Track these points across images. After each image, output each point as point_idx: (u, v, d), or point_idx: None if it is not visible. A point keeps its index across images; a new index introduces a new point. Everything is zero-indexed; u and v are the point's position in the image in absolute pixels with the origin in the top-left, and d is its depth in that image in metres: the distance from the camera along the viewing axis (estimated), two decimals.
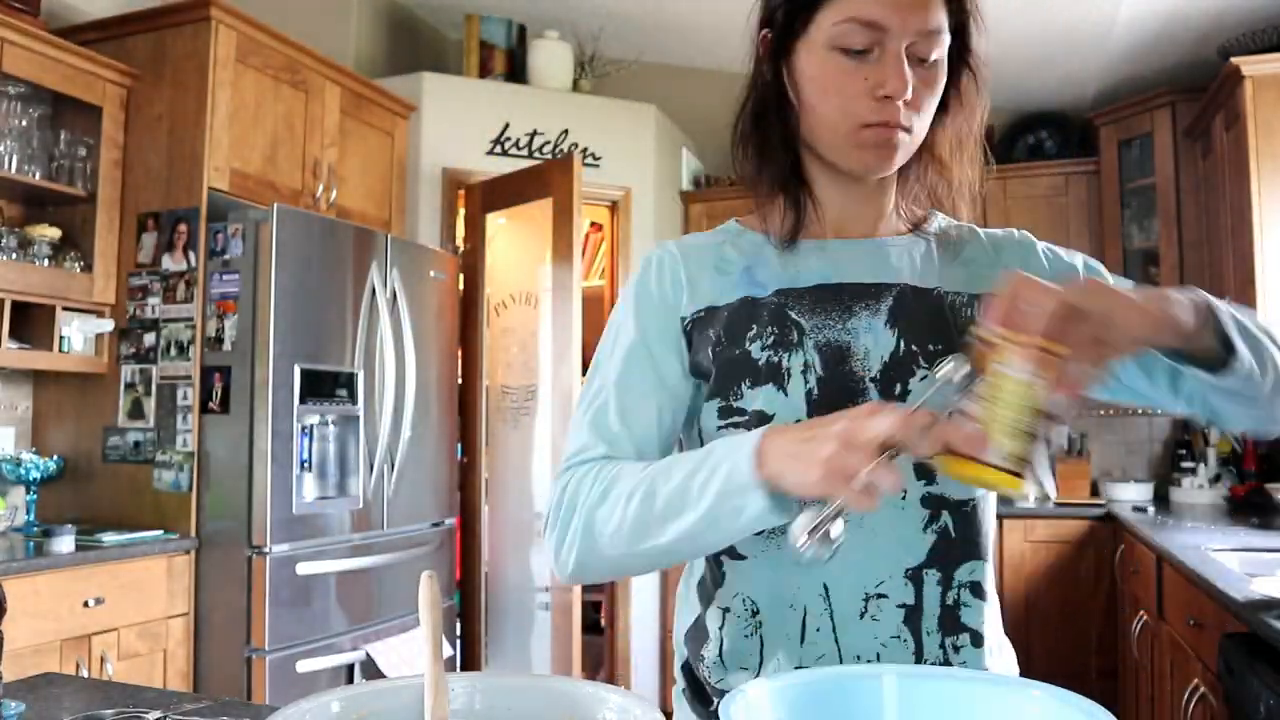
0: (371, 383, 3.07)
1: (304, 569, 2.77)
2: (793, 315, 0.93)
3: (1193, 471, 3.77)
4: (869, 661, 0.88)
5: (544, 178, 3.57)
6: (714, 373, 0.94)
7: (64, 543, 2.45)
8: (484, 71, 4.10)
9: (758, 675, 0.92)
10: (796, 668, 0.89)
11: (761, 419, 0.90)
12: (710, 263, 0.99)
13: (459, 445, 3.68)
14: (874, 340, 0.92)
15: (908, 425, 0.69)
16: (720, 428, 0.92)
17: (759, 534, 0.91)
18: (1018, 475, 0.70)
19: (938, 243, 0.99)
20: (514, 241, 3.85)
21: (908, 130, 0.89)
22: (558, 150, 3.98)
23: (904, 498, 0.89)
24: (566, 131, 4.02)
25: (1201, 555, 2.34)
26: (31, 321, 2.75)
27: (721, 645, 0.95)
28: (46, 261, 2.76)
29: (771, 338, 0.92)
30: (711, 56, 4.53)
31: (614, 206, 4.13)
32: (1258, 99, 2.98)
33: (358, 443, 3.01)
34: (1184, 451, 3.88)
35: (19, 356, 2.70)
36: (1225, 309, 0.85)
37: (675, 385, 0.96)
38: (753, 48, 0.99)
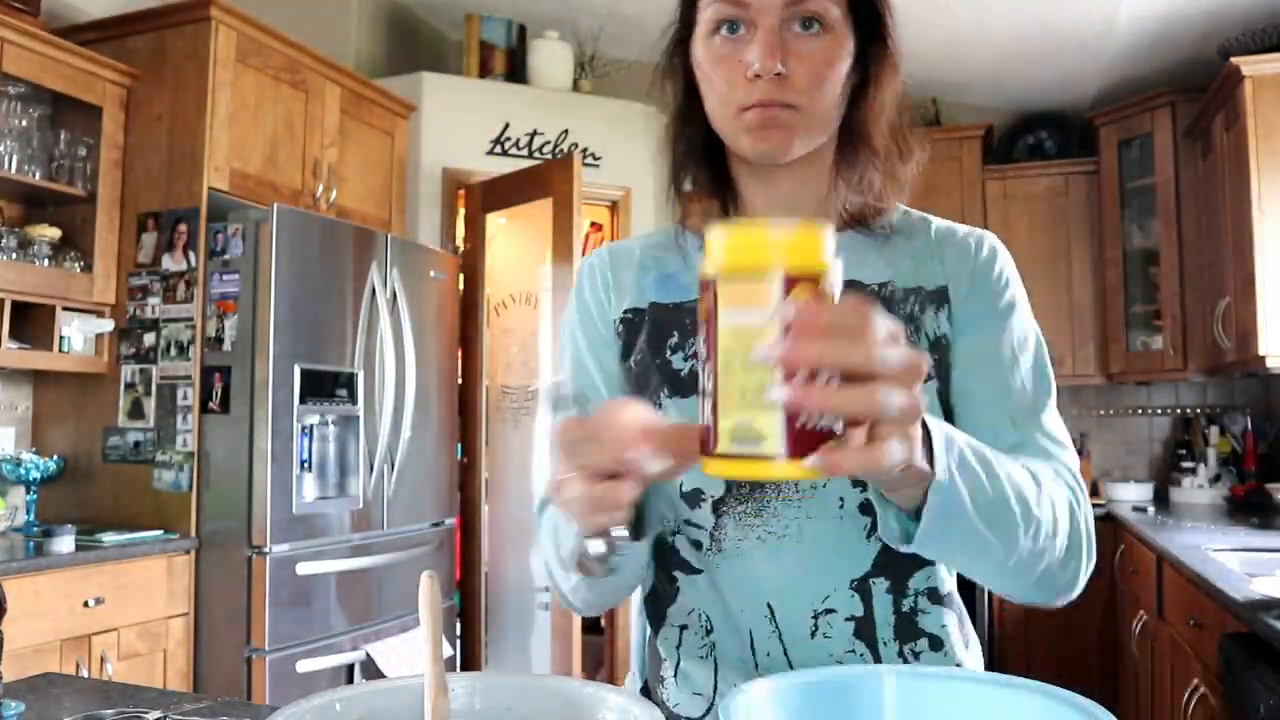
0: (371, 383, 3.07)
1: (304, 569, 2.76)
2: None
3: (1193, 471, 3.77)
4: None
5: (544, 178, 3.57)
6: (634, 381, 0.92)
7: (64, 543, 2.45)
8: (484, 71, 4.10)
9: (710, 706, 0.89)
10: None
11: None
12: (637, 262, 0.97)
13: (459, 445, 3.68)
14: None
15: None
16: None
17: (698, 549, 0.89)
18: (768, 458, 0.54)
19: (882, 237, 0.92)
20: (514, 241, 3.85)
21: (793, 107, 0.83)
22: (558, 150, 3.98)
23: (841, 506, 0.84)
24: (566, 131, 4.02)
25: (1201, 555, 2.34)
26: (31, 321, 2.75)
27: (678, 665, 0.91)
28: (46, 261, 2.76)
29: (693, 345, 0.89)
30: None
31: (614, 206, 4.13)
32: (1258, 99, 2.97)
33: (358, 443, 3.01)
34: (1184, 451, 3.88)
35: (19, 356, 2.70)
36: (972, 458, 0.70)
37: (619, 390, 0.93)
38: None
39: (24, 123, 2.75)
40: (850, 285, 0.87)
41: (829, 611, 0.85)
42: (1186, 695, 2.15)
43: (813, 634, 0.85)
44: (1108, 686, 3.35)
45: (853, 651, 0.86)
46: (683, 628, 0.91)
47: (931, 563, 0.88)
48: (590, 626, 3.94)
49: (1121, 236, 3.88)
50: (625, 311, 0.95)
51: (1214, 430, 3.82)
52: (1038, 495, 0.75)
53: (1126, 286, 3.86)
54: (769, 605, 0.86)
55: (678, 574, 0.91)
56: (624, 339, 0.94)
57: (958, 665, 0.90)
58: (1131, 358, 3.83)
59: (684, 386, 0.88)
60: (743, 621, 0.87)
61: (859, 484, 0.84)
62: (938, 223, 0.95)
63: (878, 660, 0.86)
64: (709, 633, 0.89)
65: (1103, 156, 3.92)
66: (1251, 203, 2.97)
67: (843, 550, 0.85)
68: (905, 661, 0.87)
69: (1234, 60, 3.01)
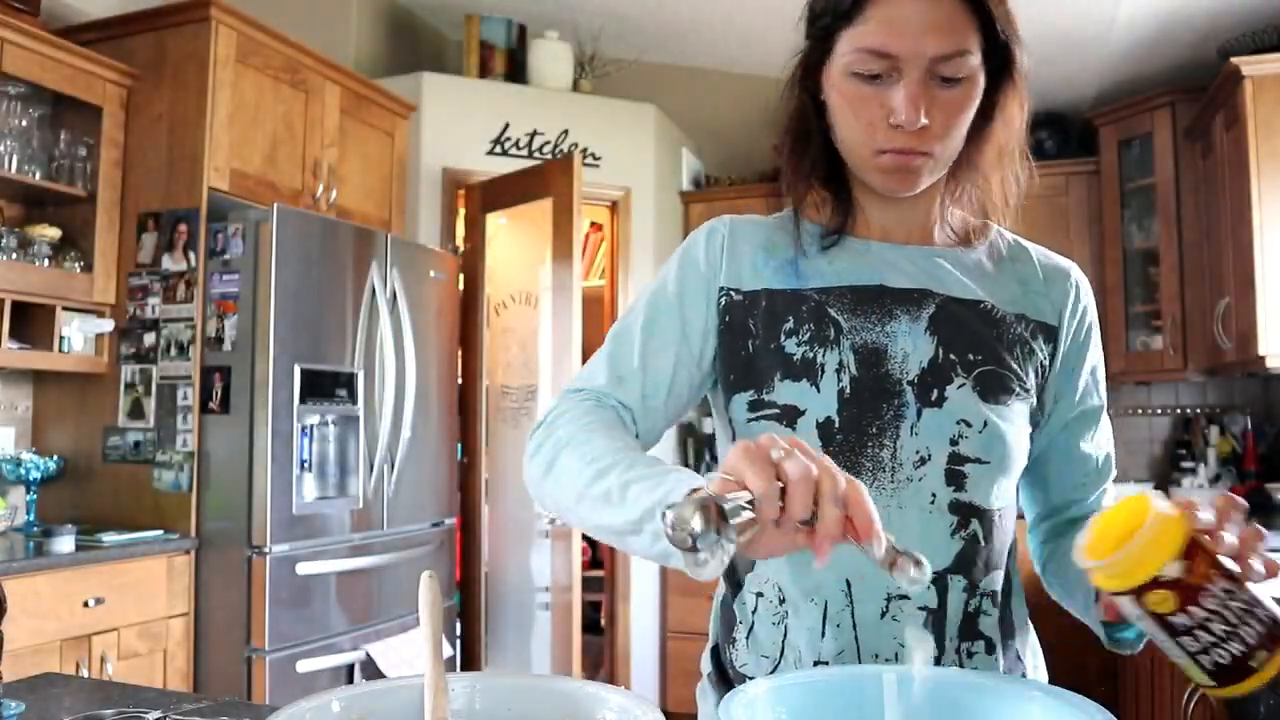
0: (371, 383, 3.07)
1: (304, 569, 2.76)
2: (831, 313, 0.94)
3: (1193, 471, 3.77)
4: (887, 661, 0.88)
5: (544, 178, 3.57)
6: (748, 363, 0.94)
7: (64, 543, 2.44)
8: (484, 71, 4.10)
9: (776, 666, 0.93)
10: (816, 663, 0.90)
11: (792, 413, 0.91)
12: (759, 242, 1.00)
13: (459, 445, 3.68)
14: (912, 345, 0.92)
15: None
16: (750, 420, 0.93)
17: None
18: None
19: (989, 256, 0.99)
20: (514, 241, 3.85)
21: (928, 155, 0.88)
22: (558, 150, 3.98)
23: (932, 501, 0.89)
24: (566, 131, 4.02)
25: None
26: (31, 321, 2.75)
27: (751, 629, 0.95)
28: (46, 261, 2.76)
29: (808, 333, 0.93)
30: (711, 56, 4.53)
31: (614, 206, 4.13)
32: (1258, 99, 2.97)
33: (358, 443, 3.01)
34: (1184, 451, 3.88)
35: (19, 356, 2.70)
36: None
37: (696, 344, 0.97)
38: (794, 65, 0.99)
39: (24, 123, 2.75)
40: (962, 304, 0.94)
41: (903, 598, 0.89)
42: (1186, 695, 2.15)
43: (883, 615, 0.89)
44: (1108, 686, 3.35)
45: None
46: (758, 595, 0.95)
47: (1000, 565, 0.94)
48: (590, 626, 3.94)
49: (1121, 236, 3.88)
50: (733, 290, 0.97)
51: (1214, 430, 3.82)
52: None
53: (1126, 286, 3.86)
54: (847, 582, 0.89)
55: None
56: (728, 317, 0.97)
57: (1008, 671, 0.94)
58: (1131, 358, 3.83)
59: (795, 370, 0.92)
60: (819, 595, 0.90)
61: (952, 482, 0.90)
62: (1036, 251, 1.02)
63: (941, 654, 0.89)
64: (783, 602, 0.92)
65: (1103, 156, 3.92)
66: (1251, 203, 2.97)
67: (928, 543, 0.88)
68: (960, 660, 0.90)
69: (1234, 60, 3.01)
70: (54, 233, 2.79)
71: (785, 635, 0.92)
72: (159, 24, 2.92)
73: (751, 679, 0.89)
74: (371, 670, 2.92)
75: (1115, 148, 3.88)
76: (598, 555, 4.38)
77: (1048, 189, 4.03)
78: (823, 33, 0.90)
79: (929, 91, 0.85)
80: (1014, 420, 0.92)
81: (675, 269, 1.00)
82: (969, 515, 0.90)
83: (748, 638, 0.95)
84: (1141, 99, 3.76)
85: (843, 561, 0.87)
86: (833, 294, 0.94)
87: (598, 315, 4.12)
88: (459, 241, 3.90)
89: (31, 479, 2.75)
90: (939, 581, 0.89)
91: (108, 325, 2.89)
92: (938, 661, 0.89)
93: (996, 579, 0.93)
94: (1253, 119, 2.97)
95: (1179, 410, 4.05)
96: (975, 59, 0.87)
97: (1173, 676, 2.47)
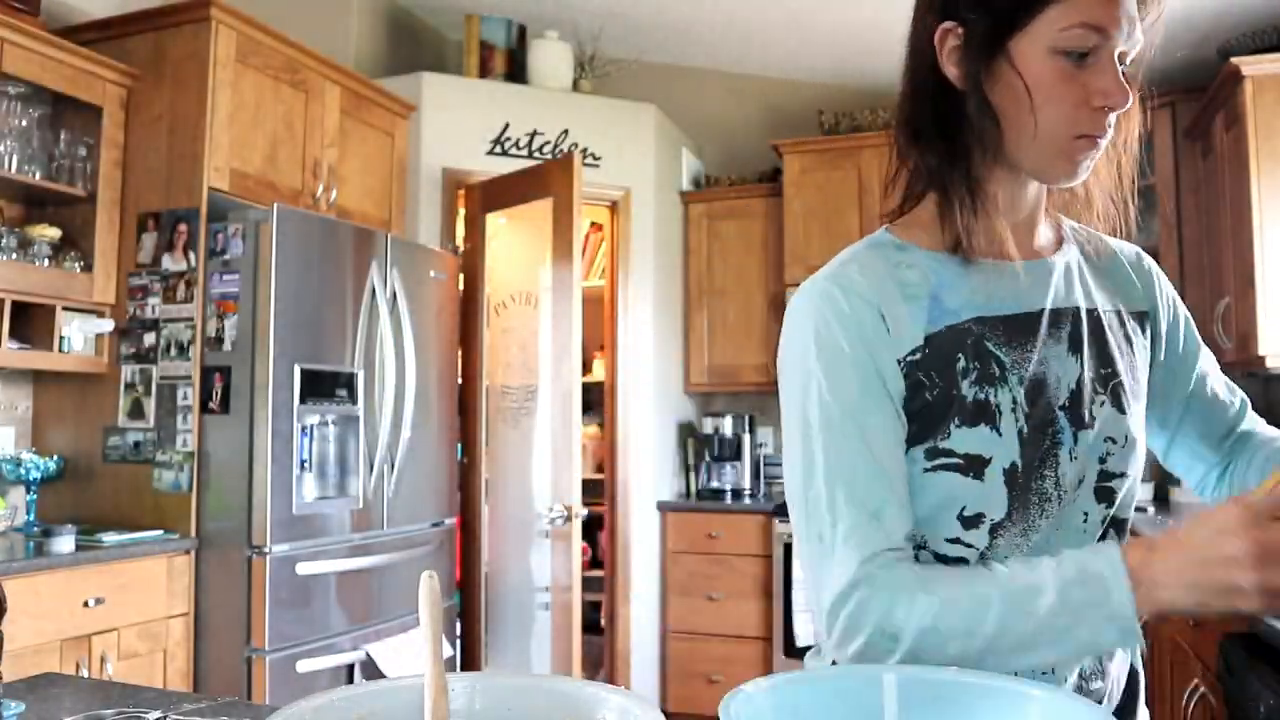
0: (371, 383, 3.07)
1: (304, 569, 2.76)
2: (989, 345, 0.88)
3: None
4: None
5: (544, 178, 3.57)
6: (923, 412, 0.87)
7: (64, 543, 2.44)
8: (484, 71, 4.10)
9: None
10: None
11: (976, 461, 0.85)
12: (896, 291, 0.89)
13: (459, 445, 3.69)
14: (1062, 369, 0.89)
15: None
16: (928, 470, 0.86)
17: (962, 563, 0.87)
18: None
19: (1083, 257, 0.98)
20: (514, 241, 3.85)
21: (1103, 139, 0.86)
22: (558, 150, 3.98)
23: (1085, 520, 0.89)
24: (566, 131, 4.02)
25: None
26: (31, 321, 2.75)
27: None
28: (46, 261, 2.76)
29: (976, 372, 0.87)
30: (711, 56, 4.53)
31: (614, 206, 4.13)
32: (1258, 99, 2.97)
33: (358, 443, 3.01)
34: None
35: (19, 356, 2.70)
36: None
37: (900, 435, 0.87)
38: (920, 43, 0.91)
39: (24, 123, 2.75)
40: (1087, 315, 0.94)
41: None
42: (1186, 695, 2.15)
43: None
44: None
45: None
46: None
47: None
48: (590, 626, 3.94)
49: (1122, 236, 3.87)
50: (907, 354, 0.87)
51: None
52: None
53: None
54: None
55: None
56: (911, 379, 0.87)
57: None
58: None
59: (970, 415, 0.86)
60: None
61: (1103, 499, 0.90)
62: (1109, 240, 1.02)
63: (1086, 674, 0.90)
64: None
65: None
66: (1251, 203, 2.97)
67: None
68: (1080, 688, 0.89)
69: (1234, 60, 3.01)
70: (54, 233, 2.79)
71: None
72: (159, 24, 2.92)
73: None
74: (371, 670, 2.92)
75: None
76: (598, 555, 4.38)
77: None
78: (1017, 7, 0.83)
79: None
80: (1140, 426, 0.94)
81: (827, 376, 0.86)
82: (1112, 528, 0.92)
83: None
84: (1141, 99, 3.75)
85: None
86: (987, 325, 0.88)
87: (598, 315, 4.13)
88: (459, 241, 3.90)
89: (31, 479, 2.75)
90: None
91: (108, 325, 2.89)
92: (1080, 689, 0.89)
93: None
94: (1253, 119, 2.97)
95: None
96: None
97: (1173, 676, 2.47)
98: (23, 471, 2.73)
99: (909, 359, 0.87)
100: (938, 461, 0.86)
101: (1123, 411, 0.91)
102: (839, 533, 0.82)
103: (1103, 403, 0.90)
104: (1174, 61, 3.60)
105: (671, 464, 4.43)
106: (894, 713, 0.67)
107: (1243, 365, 3.19)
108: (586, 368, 4.39)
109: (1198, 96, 3.48)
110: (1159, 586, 0.72)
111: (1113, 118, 0.85)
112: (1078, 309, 0.93)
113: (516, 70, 4.14)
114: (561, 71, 4.09)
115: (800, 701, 0.67)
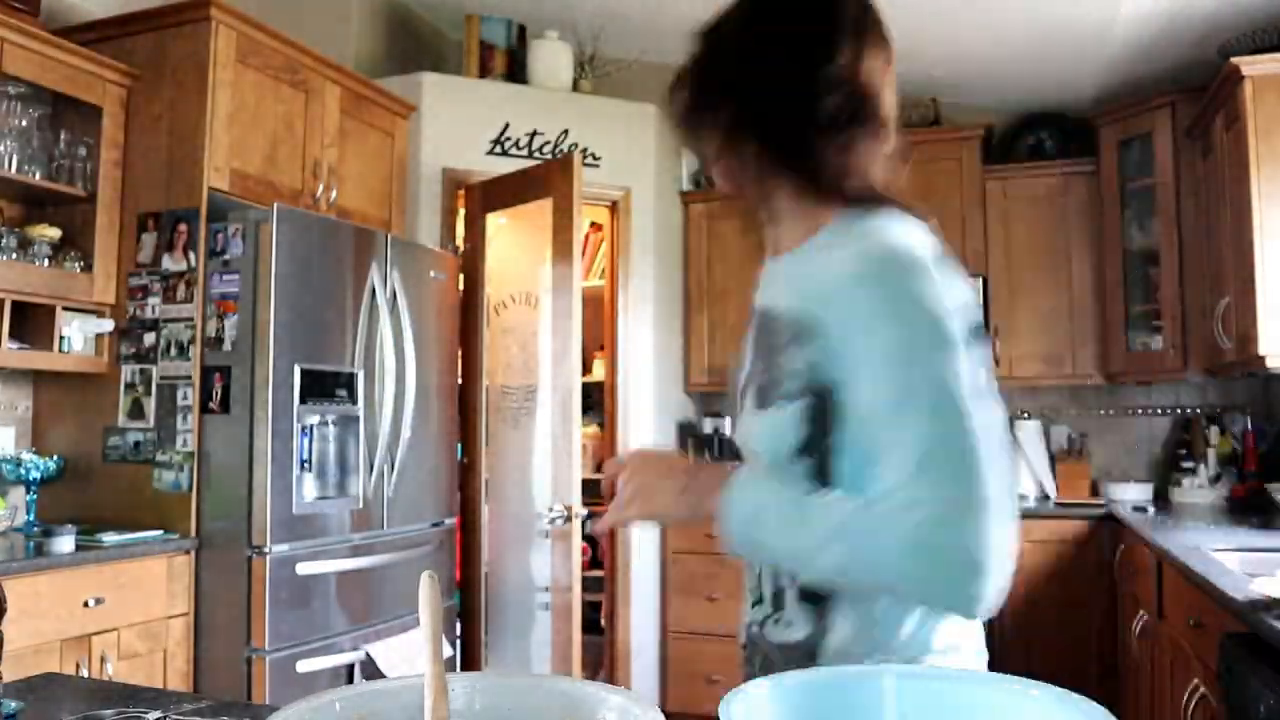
0: (371, 383, 3.07)
1: (304, 569, 2.76)
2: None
3: (1193, 471, 3.77)
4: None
5: (544, 178, 3.57)
6: None
7: (64, 543, 2.44)
8: (484, 71, 4.10)
9: None
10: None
11: None
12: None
13: (459, 445, 3.68)
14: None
15: None
16: None
17: None
18: None
19: (791, 258, 1.04)
20: (514, 241, 3.85)
21: None
22: (558, 150, 3.98)
23: None
24: (566, 131, 4.02)
25: (1202, 555, 2.34)
26: (31, 321, 2.75)
27: None
28: (46, 261, 2.76)
29: None
30: None
31: (614, 206, 4.13)
32: (1258, 99, 2.97)
33: (358, 443, 3.01)
34: (1184, 451, 3.88)
35: (19, 356, 2.70)
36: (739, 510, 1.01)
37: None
38: None
39: (24, 123, 2.75)
40: (761, 313, 1.09)
41: None
42: (1186, 695, 2.15)
43: None
44: (1108, 686, 3.35)
45: None
46: None
47: None
48: (590, 626, 3.94)
49: (1121, 236, 3.88)
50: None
51: (1214, 430, 3.82)
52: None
53: (1126, 286, 3.86)
54: None
55: None
56: None
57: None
58: (1131, 358, 3.83)
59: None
60: None
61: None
62: (834, 244, 1.04)
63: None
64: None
65: (1102, 157, 3.92)
66: (1251, 203, 2.97)
67: None
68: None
69: (1234, 60, 3.01)
70: (54, 233, 2.79)
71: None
72: (159, 24, 2.92)
73: None
74: (371, 670, 2.92)
75: (1115, 148, 3.88)
76: (598, 555, 4.37)
77: (1048, 189, 4.03)
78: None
79: None
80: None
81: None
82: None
83: None
84: (1141, 99, 3.76)
85: None
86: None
87: (598, 315, 4.12)
88: (459, 241, 3.90)
89: (31, 479, 2.75)
90: None
91: (108, 325, 2.89)
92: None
93: None
94: (1253, 119, 2.97)
95: (1179, 410, 4.05)
96: None
97: (1173, 677, 2.47)
98: (23, 471, 2.73)
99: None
100: None
101: None
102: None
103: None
104: (1174, 61, 3.61)
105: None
106: (894, 713, 0.67)
107: (1243, 365, 3.19)
108: (586, 368, 4.39)
109: (1198, 96, 3.48)
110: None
111: None
112: (760, 306, 1.12)
113: (516, 70, 4.14)
114: (561, 71, 4.09)
115: (800, 701, 0.67)
